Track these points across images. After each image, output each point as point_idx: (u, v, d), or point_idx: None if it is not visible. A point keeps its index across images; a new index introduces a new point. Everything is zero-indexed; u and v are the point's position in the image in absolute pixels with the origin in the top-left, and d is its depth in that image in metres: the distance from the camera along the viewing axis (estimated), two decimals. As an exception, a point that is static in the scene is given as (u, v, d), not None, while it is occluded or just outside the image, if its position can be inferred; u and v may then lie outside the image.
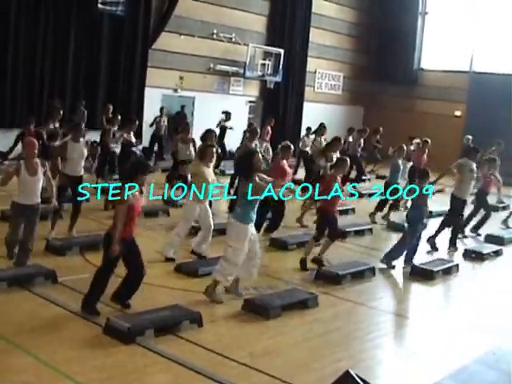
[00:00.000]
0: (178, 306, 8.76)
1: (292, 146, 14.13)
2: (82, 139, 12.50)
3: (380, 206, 16.87)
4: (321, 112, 30.11)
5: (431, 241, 14.29)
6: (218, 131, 22.19)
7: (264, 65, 27.70)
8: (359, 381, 5.42)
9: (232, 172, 17.28)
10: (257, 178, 9.30)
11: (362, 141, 22.29)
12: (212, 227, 11.57)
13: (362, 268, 11.72)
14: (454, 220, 14.48)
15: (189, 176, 13.59)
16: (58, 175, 12.24)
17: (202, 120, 23.39)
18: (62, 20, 21.39)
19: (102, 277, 8.65)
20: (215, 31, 26.13)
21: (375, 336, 9.13)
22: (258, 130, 16.99)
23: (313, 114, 29.51)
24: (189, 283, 10.23)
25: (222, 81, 27.17)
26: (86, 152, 12.47)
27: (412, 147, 20.62)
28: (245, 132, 21.50)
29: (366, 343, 8.77)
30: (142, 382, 6.84)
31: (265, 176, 9.56)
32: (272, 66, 27.95)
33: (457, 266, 12.76)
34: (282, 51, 28.21)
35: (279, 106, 29.33)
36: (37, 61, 21.00)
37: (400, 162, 16.92)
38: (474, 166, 14.56)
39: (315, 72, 31.60)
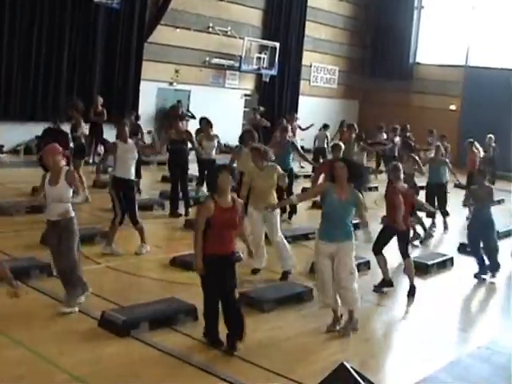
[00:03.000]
0: (173, 298, 8.77)
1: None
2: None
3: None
4: (316, 106, 30.14)
5: None
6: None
7: (260, 58, 27.69)
8: (354, 373, 5.44)
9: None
10: None
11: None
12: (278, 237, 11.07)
13: (357, 262, 11.66)
14: None
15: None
16: None
17: (198, 113, 23.33)
18: (58, 12, 21.34)
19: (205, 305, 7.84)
20: (211, 25, 26.11)
21: (369, 330, 9.15)
22: (289, 128, 16.77)
23: (308, 107, 29.53)
24: (184, 276, 10.23)
25: (218, 74, 27.16)
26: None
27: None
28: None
29: (360, 337, 8.79)
30: (137, 375, 6.84)
31: None
32: (267, 60, 27.95)
33: (451, 259, 12.78)
34: (277, 45, 28.21)
35: (274, 99, 29.33)
36: (32, 53, 20.95)
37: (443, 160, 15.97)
38: None
39: (311, 66, 31.60)
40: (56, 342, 7.42)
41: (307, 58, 30.93)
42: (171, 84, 25.53)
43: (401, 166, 11.27)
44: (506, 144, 24.93)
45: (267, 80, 28.42)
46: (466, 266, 13.26)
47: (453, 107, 31.61)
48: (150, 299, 8.66)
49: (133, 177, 11.28)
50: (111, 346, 7.46)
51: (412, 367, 7.82)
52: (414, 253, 12.58)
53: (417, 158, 15.18)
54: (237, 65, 27.19)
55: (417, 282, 11.54)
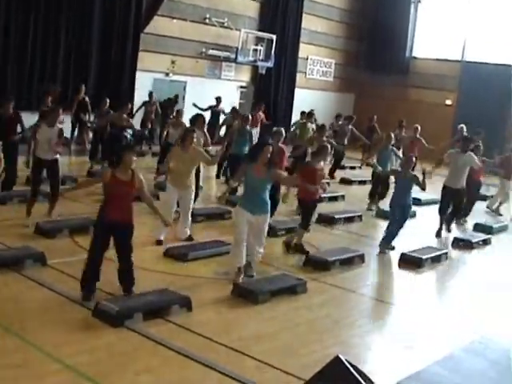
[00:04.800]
0: (167, 289, 8.77)
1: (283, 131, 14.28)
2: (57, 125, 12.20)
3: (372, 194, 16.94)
4: (312, 98, 30.09)
5: (439, 233, 14.63)
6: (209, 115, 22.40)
7: (256, 50, 27.64)
8: (349, 366, 5.43)
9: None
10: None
11: (349, 128, 22.27)
12: (189, 211, 11.75)
13: (351, 254, 11.74)
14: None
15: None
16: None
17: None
18: (54, 3, 21.25)
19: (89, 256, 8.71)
20: (208, 16, 26.03)
21: (364, 323, 9.17)
22: (250, 117, 16.98)
23: (304, 100, 29.50)
24: (178, 267, 10.24)
25: (214, 66, 27.10)
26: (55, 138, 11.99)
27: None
28: (229, 114, 21.44)
29: (354, 330, 8.80)
30: (130, 365, 6.84)
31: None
32: (264, 52, 27.90)
33: (445, 254, 12.80)
34: (274, 37, 28.14)
35: (270, 91, 29.29)
36: (28, 43, 20.86)
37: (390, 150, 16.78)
38: (466, 156, 14.41)
39: (307, 58, 31.54)
40: (50, 331, 7.40)
41: (303, 50, 30.86)
42: (167, 75, 25.46)
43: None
44: (501, 138, 24.99)
45: (263, 72, 28.36)
46: (460, 260, 13.33)
47: (449, 102, 31.61)
48: (143, 290, 8.65)
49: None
50: (105, 336, 7.45)
51: (405, 360, 7.84)
52: (409, 247, 12.56)
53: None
54: (233, 56, 27.13)
55: (411, 275, 11.62)
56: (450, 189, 14.36)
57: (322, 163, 12.03)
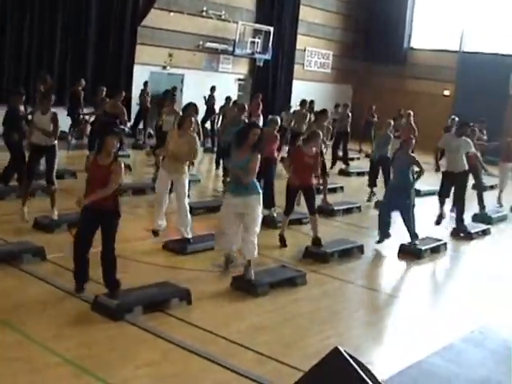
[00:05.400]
0: (166, 283, 8.75)
1: (279, 120, 14.28)
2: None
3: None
4: (310, 90, 30.04)
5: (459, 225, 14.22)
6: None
7: (253, 42, 27.64)
8: (348, 357, 5.41)
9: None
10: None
11: (348, 114, 22.31)
12: (185, 202, 11.17)
13: (350, 246, 11.74)
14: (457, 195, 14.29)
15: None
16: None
17: (191, 97, 23.26)
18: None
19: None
20: (205, 8, 26.00)
21: (363, 314, 9.19)
22: (246, 106, 16.93)
23: (302, 91, 29.45)
24: (177, 260, 10.24)
25: (211, 58, 27.07)
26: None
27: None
28: (222, 107, 21.46)
29: (353, 321, 8.81)
30: (130, 359, 6.84)
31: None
32: (261, 44, 27.90)
33: (445, 244, 12.79)
34: (271, 29, 28.14)
35: (268, 83, 29.29)
36: (24, 37, 20.82)
37: (389, 134, 16.83)
38: (461, 140, 14.10)
39: (304, 50, 31.52)
40: (49, 325, 7.39)
41: (301, 42, 30.85)
42: (164, 68, 25.43)
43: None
44: (498, 129, 24.95)
45: (261, 64, 28.36)
46: (460, 251, 13.31)
47: (447, 92, 31.60)
48: (143, 283, 8.64)
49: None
50: (105, 330, 7.44)
51: (405, 351, 7.84)
52: (408, 238, 12.53)
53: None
54: (230, 49, 27.11)
55: (411, 266, 11.62)
56: (450, 173, 13.96)
57: (313, 149, 11.70)
